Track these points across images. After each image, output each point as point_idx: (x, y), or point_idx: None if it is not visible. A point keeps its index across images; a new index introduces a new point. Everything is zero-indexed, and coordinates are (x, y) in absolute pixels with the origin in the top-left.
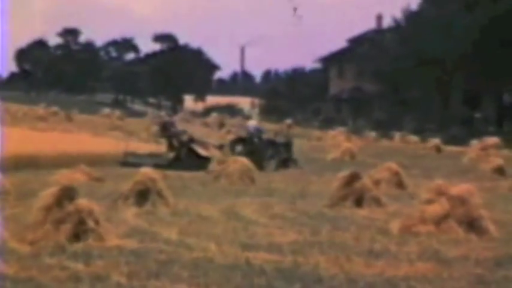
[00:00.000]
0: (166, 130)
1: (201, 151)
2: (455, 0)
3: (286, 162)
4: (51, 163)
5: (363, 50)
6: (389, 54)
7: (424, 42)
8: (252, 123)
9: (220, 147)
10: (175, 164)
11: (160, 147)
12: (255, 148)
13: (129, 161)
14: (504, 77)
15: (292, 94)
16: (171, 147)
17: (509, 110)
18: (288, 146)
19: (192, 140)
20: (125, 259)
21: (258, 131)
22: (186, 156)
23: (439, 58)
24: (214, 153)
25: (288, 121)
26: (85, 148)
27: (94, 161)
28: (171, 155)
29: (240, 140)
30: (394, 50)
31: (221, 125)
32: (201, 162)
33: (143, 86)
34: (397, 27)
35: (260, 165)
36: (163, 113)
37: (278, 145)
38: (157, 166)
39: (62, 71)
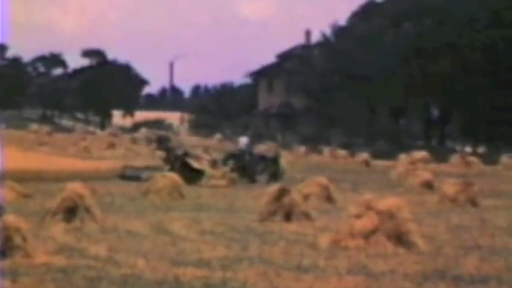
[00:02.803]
0: (162, 144)
1: (195, 164)
2: (383, 16)
3: (275, 175)
4: None
5: (291, 65)
6: (317, 70)
7: (351, 57)
8: (243, 140)
9: (214, 162)
10: None
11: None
12: (247, 163)
13: (127, 174)
14: (429, 91)
15: (220, 109)
16: (166, 160)
17: (437, 124)
18: (275, 160)
19: (186, 154)
20: (52, 276)
21: (248, 148)
22: (180, 169)
23: (366, 73)
24: (207, 167)
25: (217, 136)
26: (13, 164)
27: (22, 177)
28: (167, 168)
29: (232, 156)
30: (322, 66)
31: (149, 140)
32: (194, 175)
33: (71, 101)
34: (325, 42)
35: (252, 179)
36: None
37: (267, 160)
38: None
39: None
